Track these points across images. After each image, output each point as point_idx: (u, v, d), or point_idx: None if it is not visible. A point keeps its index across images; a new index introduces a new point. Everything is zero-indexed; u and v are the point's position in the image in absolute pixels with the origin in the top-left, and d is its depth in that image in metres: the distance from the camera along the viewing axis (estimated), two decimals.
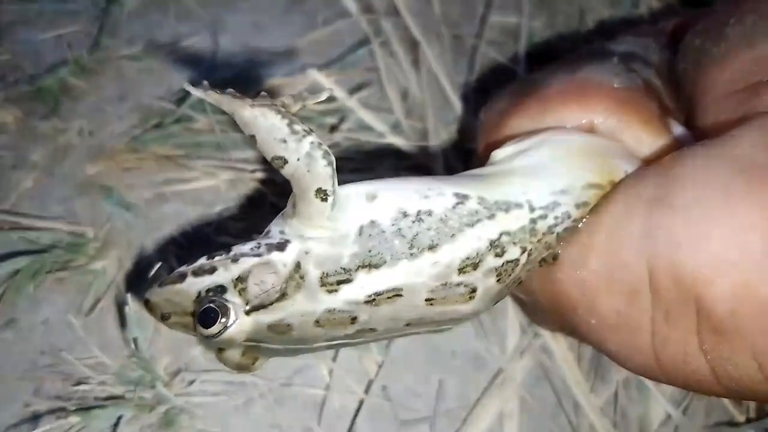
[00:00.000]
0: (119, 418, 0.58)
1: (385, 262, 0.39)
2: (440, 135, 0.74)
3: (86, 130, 0.72)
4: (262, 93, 0.39)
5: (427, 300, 0.40)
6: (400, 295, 0.39)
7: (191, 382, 0.60)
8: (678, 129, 0.46)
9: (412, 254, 0.39)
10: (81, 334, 0.59)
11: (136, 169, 0.70)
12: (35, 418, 0.57)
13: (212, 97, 0.38)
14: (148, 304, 0.42)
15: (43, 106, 0.73)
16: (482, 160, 0.49)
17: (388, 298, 0.39)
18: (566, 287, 0.43)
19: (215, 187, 0.69)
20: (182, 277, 0.41)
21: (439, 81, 0.77)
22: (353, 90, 0.77)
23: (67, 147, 0.71)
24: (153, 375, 0.58)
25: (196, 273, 0.40)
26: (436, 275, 0.40)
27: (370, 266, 0.39)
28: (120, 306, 0.61)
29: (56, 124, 0.73)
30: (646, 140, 0.46)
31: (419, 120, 0.75)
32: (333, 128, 0.74)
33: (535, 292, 0.47)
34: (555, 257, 0.43)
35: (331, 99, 0.75)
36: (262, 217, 0.67)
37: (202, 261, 0.41)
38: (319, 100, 0.41)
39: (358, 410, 0.61)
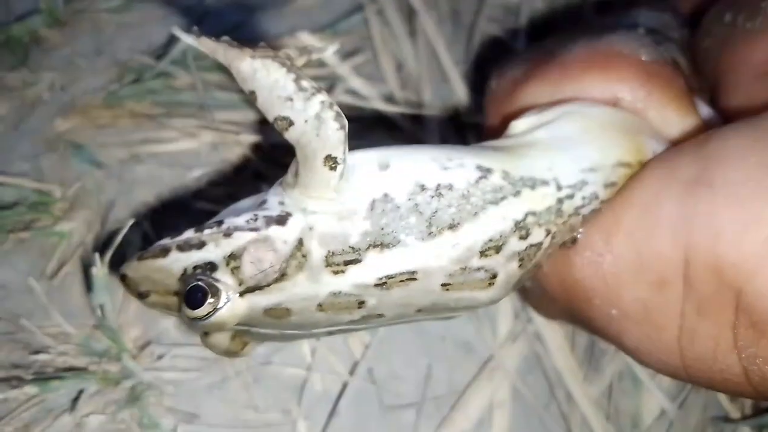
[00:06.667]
0: (81, 391, 0.53)
1: (400, 241, 0.35)
2: (436, 108, 0.70)
3: (57, 83, 0.68)
4: (261, 44, 0.34)
5: (443, 285, 0.36)
6: (415, 279, 0.35)
7: (161, 356, 0.56)
8: (705, 109, 0.43)
9: (430, 233, 0.35)
10: (43, 300, 0.54)
11: (110, 126, 0.65)
12: None
13: (206, 45, 0.33)
14: (124, 280, 0.38)
15: (12, 56, 0.69)
16: (493, 132, 0.45)
17: (401, 281, 0.35)
18: (584, 274, 0.39)
19: (195, 150, 0.64)
20: (165, 251, 0.36)
21: (437, 53, 0.74)
22: (345, 56, 0.72)
23: (36, 100, 0.67)
24: (120, 347, 0.54)
25: (182, 247, 0.36)
26: (456, 258, 0.36)
27: (383, 246, 0.35)
28: (86, 271, 0.56)
29: (25, 76, 0.68)
30: (672, 119, 0.42)
31: (414, 92, 0.71)
32: None
33: (543, 277, 0.43)
34: (574, 240, 0.40)
35: (321, 64, 0.71)
36: (245, 183, 0.63)
37: (189, 234, 0.36)
38: (328, 53, 0.37)
39: (341, 393, 0.57)
